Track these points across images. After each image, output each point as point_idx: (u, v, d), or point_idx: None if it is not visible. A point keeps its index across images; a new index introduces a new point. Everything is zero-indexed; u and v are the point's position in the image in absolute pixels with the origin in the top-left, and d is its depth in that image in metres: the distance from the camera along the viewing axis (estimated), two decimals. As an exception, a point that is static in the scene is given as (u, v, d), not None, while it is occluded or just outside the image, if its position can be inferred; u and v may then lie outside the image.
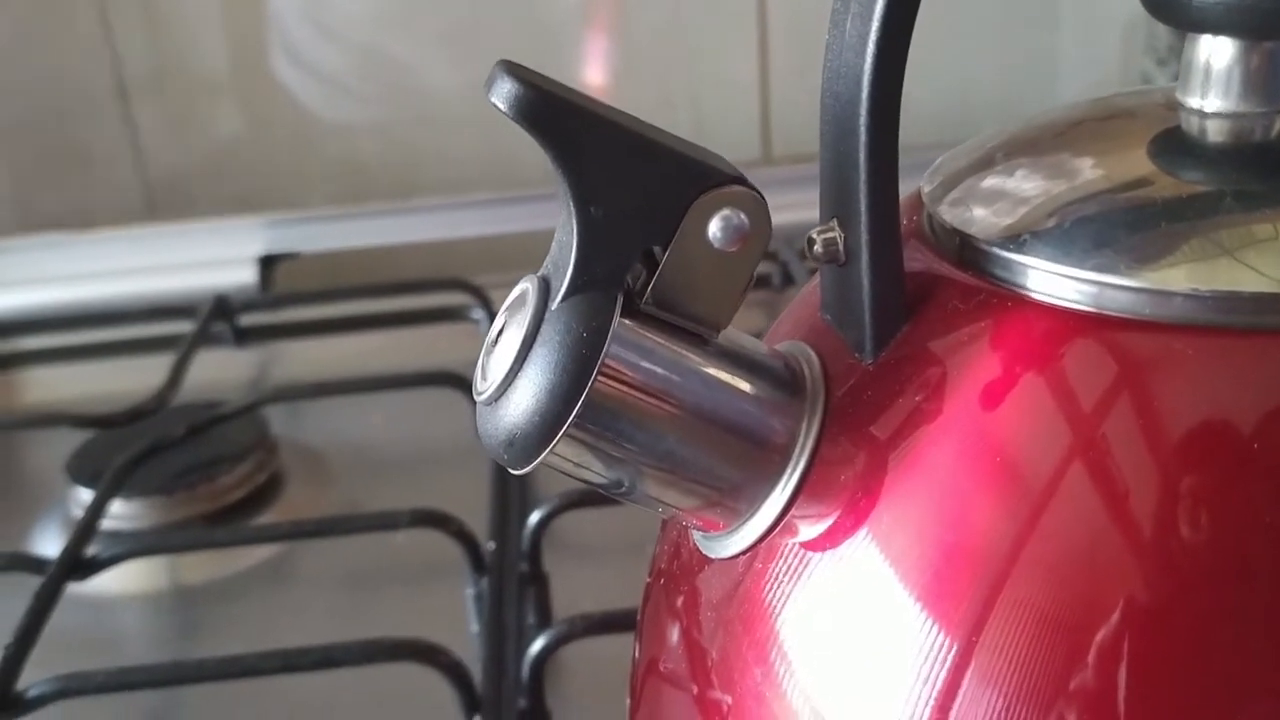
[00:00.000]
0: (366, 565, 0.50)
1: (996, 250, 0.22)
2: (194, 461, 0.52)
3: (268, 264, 0.66)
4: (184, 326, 0.62)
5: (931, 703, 0.21)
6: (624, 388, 0.21)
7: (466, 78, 0.73)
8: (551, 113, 0.20)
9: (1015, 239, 0.22)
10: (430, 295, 0.64)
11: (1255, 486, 0.19)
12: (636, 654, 0.29)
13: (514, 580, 0.44)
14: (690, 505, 0.23)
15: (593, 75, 0.76)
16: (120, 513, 0.49)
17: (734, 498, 0.23)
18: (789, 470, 0.22)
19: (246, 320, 0.64)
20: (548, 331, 0.21)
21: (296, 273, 0.68)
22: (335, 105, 0.72)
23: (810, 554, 0.23)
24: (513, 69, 0.20)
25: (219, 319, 0.62)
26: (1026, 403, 0.21)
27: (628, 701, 0.29)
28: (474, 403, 0.22)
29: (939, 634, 0.21)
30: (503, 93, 0.20)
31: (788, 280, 0.65)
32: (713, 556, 0.24)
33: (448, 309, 0.64)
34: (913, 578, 0.21)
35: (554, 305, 0.21)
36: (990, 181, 0.24)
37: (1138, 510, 0.20)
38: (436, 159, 0.74)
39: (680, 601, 0.27)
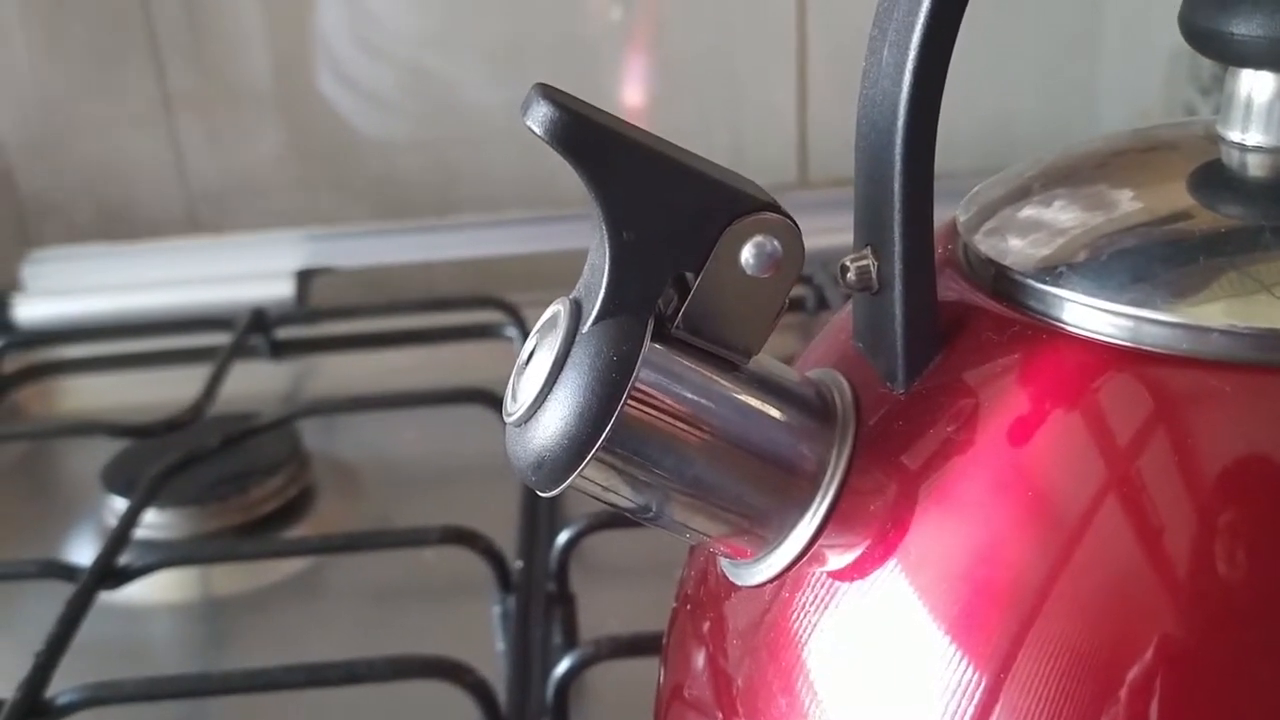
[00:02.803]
0: (395, 580, 0.50)
1: (1032, 282, 0.22)
2: (227, 473, 0.52)
3: (304, 278, 0.67)
4: (221, 338, 0.63)
5: None
6: (653, 412, 0.21)
7: (508, 96, 0.73)
8: (585, 137, 0.20)
9: (1051, 271, 0.22)
10: (465, 312, 0.64)
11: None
12: (661, 679, 0.29)
13: (541, 599, 0.44)
14: (718, 531, 0.23)
15: (632, 96, 0.76)
16: (153, 522, 0.49)
17: (762, 525, 0.23)
18: (818, 499, 0.22)
19: (282, 333, 0.64)
20: (578, 354, 0.21)
21: (333, 287, 0.69)
22: (377, 122, 0.73)
23: (838, 583, 0.23)
24: (548, 92, 0.20)
25: (255, 332, 0.62)
26: (1060, 437, 0.21)
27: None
28: (505, 421, 0.22)
29: (968, 668, 0.21)
30: (538, 116, 0.20)
31: (822, 304, 0.64)
32: (740, 584, 0.24)
33: (482, 326, 0.64)
34: (942, 610, 0.21)
35: (585, 328, 0.21)
36: (1026, 212, 0.24)
37: (1172, 548, 0.20)
38: (475, 176, 0.75)
39: (706, 628, 0.27)
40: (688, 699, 0.27)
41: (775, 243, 0.21)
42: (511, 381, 0.23)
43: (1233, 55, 0.21)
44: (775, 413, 0.22)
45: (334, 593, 0.50)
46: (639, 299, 0.21)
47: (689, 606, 0.27)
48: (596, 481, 0.22)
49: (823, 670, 0.23)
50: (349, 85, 0.72)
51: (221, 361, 0.58)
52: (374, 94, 0.72)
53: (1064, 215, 0.23)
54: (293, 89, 0.72)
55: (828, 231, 0.77)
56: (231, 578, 0.51)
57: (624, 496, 0.22)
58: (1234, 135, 0.22)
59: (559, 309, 0.22)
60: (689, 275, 0.21)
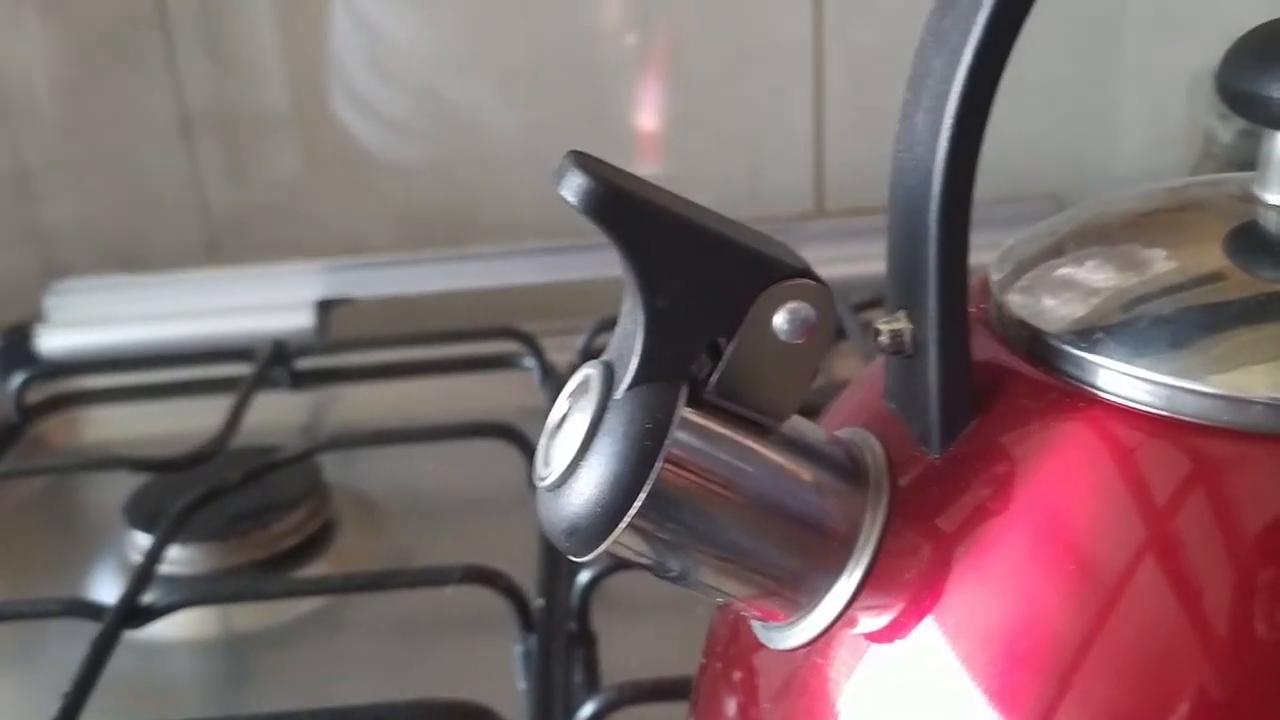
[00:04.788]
0: (416, 616, 0.50)
1: (1067, 348, 0.22)
2: (249, 507, 0.52)
3: (324, 308, 0.67)
4: (241, 369, 0.63)
5: None
6: (688, 478, 0.21)
7: (525, 121, 0.73)
8: (619, 207, 0.20)
9: (1087, 335, 0.22)
10: (483, 343, 0.64)
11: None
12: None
13: (562, 639, 0.44)
14: (751, 594, 0.23)
15: (647, 121, 0.76)
16: (175, 558, 0.49)
17: (795, 589, 0.22)
18: (854, 562, 0.22)
19: (302, 364, 0.65)
20: (612, 421, 0.21)
21: (352, 317, 0.69)
22: (394, 147, 0.73)
23: (872, 646, 0.23)
24: (581, 161, 0.20)
25: (276, 363, 0.63)
26: (1096, 505, 0.21)
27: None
28: (526, 455, 0.22)
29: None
30: (572, 186, 0.20)
31: (839, 333, 0.64)
32: (773, 647, 0.23)
33: (500, 356, 0.64)
34: (979, 676, 0.21)
35: (618, 394, 0.21)
36: (1060, 271, 0.24)
37: (1207, 618, 0.20)
38: (493, 201, 0.75)
39: (737, 687, 0.26)
40: (718, 756, 0.27)
41: (808, 309, 0.21)
42: (543, 445, 0.23)
43: (1271, 117, 0.21)
44: (810, 477, 0.22)
45: (354, 629, 0.50)
46: (673, 365, 0.21)
47: (720, 664, 0.27)
48: (630, 547, 0.21)
49: (855, 727, 0.23)
50: (366, 110, 0.72)
51: (243, 394, 0.58)
52: (391, 119, 0.73)
53: (1098, 276, 0.23)
54: (310, 114, 0.73)
55: (845, 260, 0.77)
56: (252, 614, 0.51)
57: (657, 560, 0.22)
58: (1272, 197, 0.22)
59: (591, 373, 0.22)
60: (722, 341, 0.21)
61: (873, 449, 0.23)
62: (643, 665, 0.40)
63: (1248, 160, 0.68)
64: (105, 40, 0.70)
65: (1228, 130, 0.74)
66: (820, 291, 0.21)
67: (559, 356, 0.63)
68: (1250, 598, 0.19)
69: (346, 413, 0.66)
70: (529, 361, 0.63)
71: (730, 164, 0.75)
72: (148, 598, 0.44)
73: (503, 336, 0.64)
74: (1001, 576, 0.21)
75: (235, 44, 0.71)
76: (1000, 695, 0.21)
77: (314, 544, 0.53)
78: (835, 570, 0.22)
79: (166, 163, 0.72)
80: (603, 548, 0.21)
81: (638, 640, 0.45)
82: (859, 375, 0.27)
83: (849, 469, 0.23)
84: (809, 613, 0.23)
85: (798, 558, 0.22)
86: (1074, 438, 0.21)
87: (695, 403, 0.21)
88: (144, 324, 0.66)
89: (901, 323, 0.22)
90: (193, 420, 0.60)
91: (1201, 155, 0.76)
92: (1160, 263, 0.23)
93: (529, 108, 0.73)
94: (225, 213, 0.74)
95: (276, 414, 0.63)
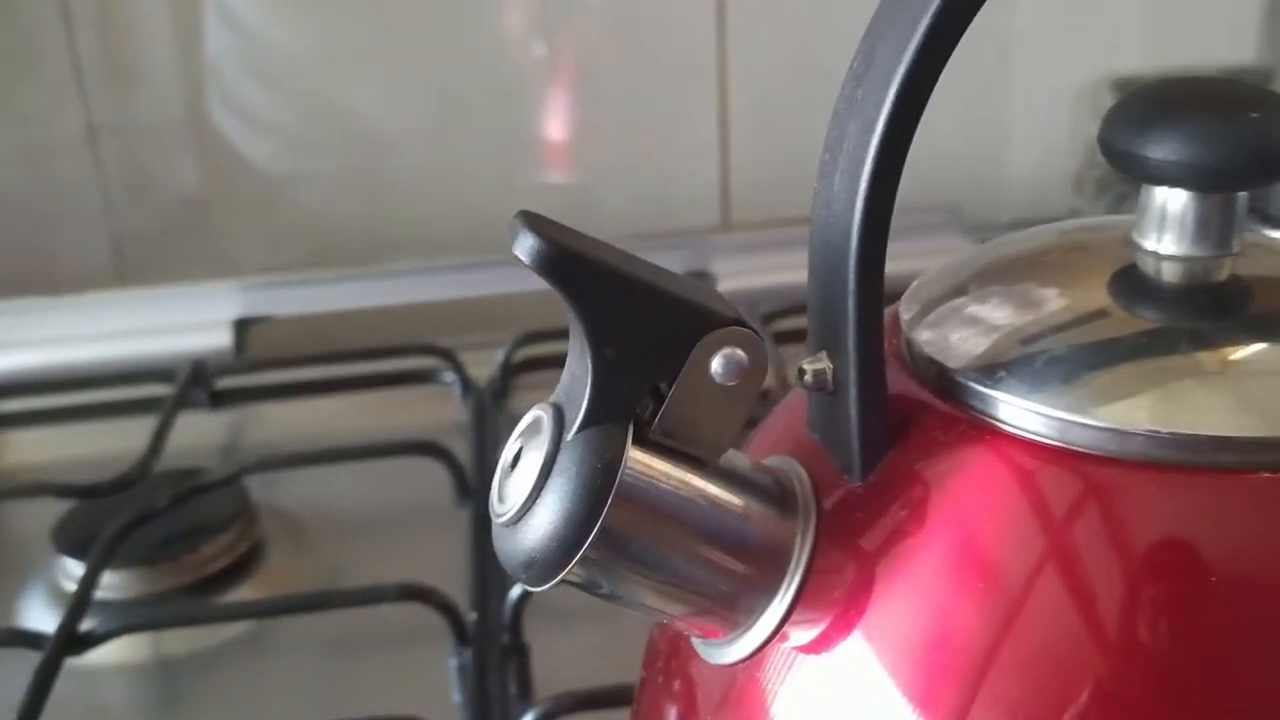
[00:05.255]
0: (347, 635, 0.50)
1: (972, 384, 0.24)
2: (177, 531, 0.52)
3: (242, 327, 0.67)
4: (157, 390, 0.63)
5: None
6: (635, 513, 0.23)
7: (430, 133, 0.74)
8: (569, 266, 0.22)
9: (989, 371, 0.24)
10: (403, 359, 0.65)
11: (1208, 612, 0.21)
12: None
13: (496, 651, 0.46)
14: (692, 615, 0.25)
15: (555, 133, 0.77)
16: (106, 583, 0.49)
17: (733, 609, 0.24)
18: (786, 583, 0.24)
19: (221, 384, 0.65)
20: (564, 461, 0.23)
21: (270, 335, 0.69)
22: (289, 161, 0.73)
23: (804, 658, 0.25)
24: (531, 221, 0.22)
25: (196, 382, 0.63)
26: (1000, 526, 0.23)
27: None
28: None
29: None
30: (524, 247, 0.22)
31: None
32: (713, 663, 0.25)
33: (420, 372, 0.65)
34: (899, 682, 0.23)
35: (570, 436, 0.23)
36: (963, 311, 0.26)
37: (1098, 625, 0.22)
38: (404, 215, 0.75)
39: (677, 701, 0.28)
40: (659, 764, 0.29)
41: (741, 353, 0.23)
42: (497, 483, 0.24)
43: (1148, 175, 0.24)
44: (745, 506, 0.24)
45: (286, 650, 0.51)
46: (620, 408, 0.23)
47: (661, 678, 0.29)
48: (582, 578, 0.23)
49: (789, 735, 0.25)
50: (255, 122, 0.72)
51: (165, 415, 0.59)
52: (278, 129, 0.72)
53: (996, 314, 0.26)
54: (207, 128, 0.72)
55: (753, 272, 0.79)
56: (183, 637, 0.51)
57: (607, 589, 0.24)
58: (1149, 244, 0.25)
59: (541, 415, 0.24)
60: (663, 385, 0.23)
61: (799, 476, 0.25)
62: (574, 675, 0.42)
63: None
64: (6, 56, 0.69)
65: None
66: (752, 338, 0.23)
67: (479, 371, 0.65)
68: (1134, 606, 0.22)
69: (266, 432, 0.66)
70: (449, 376, 0.64)
71: (638, 178, 0.77)
72: (85, 625, 0.44)
73: (422, 352, 0.65)
74: (919, 592, 0.24)
75: (134, 56, 0.70)
76: (920, 699, 0.23)
77: (243, 566, 0.54)
78: (770, 590, 0.24)
79: (73, 181, 0.72)
80: (558, 579, 0.23)
81: (568, 651, 0.47)
82: (780, 405, 0.29)
83: (779, 497, 0.25)
84: (746, 630, 0.25)
85: (735, 581, 0.24)
86: (980, 466, 0.23)
87: (640, 442, 0.23)
88: (58, 346, 0.66)
89: (823, 363, 0.24)
90: (112, 442, 0.60)
91: (1085, 164, 0.80)
92: (1052, 302, 0.25)
93: (433, 120, 0.74)
94: (133, 231, 0.73)
95: (195, 434, 0.63)
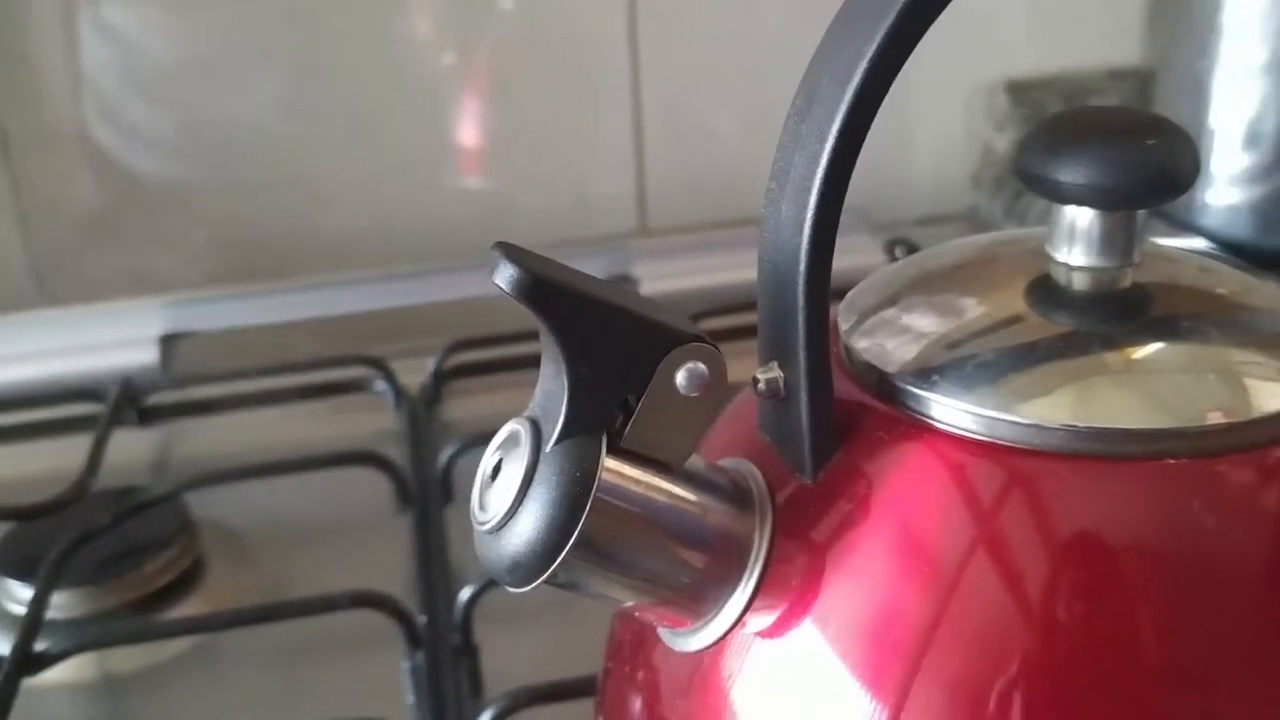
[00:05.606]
0: (295, 645, 0.51)
1: (908, 386, 0.26)
2: (119, 549, 0.53)
3: (168, 343, 0.68)
4: (87, 408, 0.63)
5: None
6: (610, 516, 0.25)
7: (339, 138, 0.74)
8: (546, 292, 0.24)
9: (924, 375, 0.26)
10: (334, 370, 0.66)
11: (1119, 590, 0.24)
12: (601, 729, 0.33)
13: (448, 652, 0.47)
14: (660, 607, 0.27)
15: (470, 139, 0.79)
16: (53, 603, 0.50)
17: (699, 600, 0.27)
18: (747, 574, 0.26)
19: (150, 401, 0.65)
20: (544, 471, 0.25)
21: (195, 350, 0.69)
22: (192, 173, 0.73)
23: (763, 642, 0.27)
24: (510, 253, 0.24)
25: (125, 399, 0.63)
26: (937, 516, 0.26)
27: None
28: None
29: (874, 703, 0.25)
30: (504, 277, 0.23)
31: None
32: (680, 650, 0.28)
33: (351, 382, 0.66)
34: (850, 660, 0.26)
35: (548, 448, 0.25)
36: (897, 320, 0.28)
37: (1025, 602, 0.25)
38: (318, 219, 0.76)
39: (641, 683, 0.30)
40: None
41: (703, 367, 0.25)
42: (478, 493, 0.26)
43: (1059, 196, 0.27)
44: (708, 506, 0.26)
45: (234, 663, 0.51)
46: (594, 421, 0.25)
47: (627, 667, 0.31)
48: (563, 578, 0.25)
49: (749, 714, 0.27)
50: (147, 136, 0.72)
51: (100, 433, 0.59)
52: (176, 142, 0.72)
53: (927, 322, 0.28)
54: (107, 143, 0.72)
55: (672, 276, 0.82)
56: (129, 655, 0.51)
57: (585, 587, 0.26)
58: (1060, 256, 0.28)
59: (518, 428, 0.26)
60: (631, 398, 0.25)
61: (754, 476, 0.27)
62: (524, 674, 0.43)
63: None
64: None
65: (1003, 140, 0.83)
66: (712, 353, 0.25)
67: (410, 379, 0.66)
68: (1056, 585, 0.25)
69: (196, 447, 0.66)
70: (381, 385, 0.65)
71: (557, 186, 0.78)
72: (39, 645, 0.45)
73: (353, 363, 0.66)
74: (866, 578, 0.26)
75: (36, 72, 0.70)
76: (869, 674, 0.25)
77: (186, 581, 0.54)
78: (732, 582, 0.26)
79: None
80: (541, 580, 0.25)
81: (517, 651, 0.48)
82: (730, 409, 0.32)
83: (736, 496, 0.27)
84: (711, 619, 0.27)
85: (701, 574, 0.26)
86: (918, 462, 0.26)
87: (612, 451, 0.25)
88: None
89: (775, 372, 0.26)
90: (43, 463, 0.60)
91: (981, 164, 0.84)
92: (976, 310, 0.28)
93: (346, 130, 0.75)
94: (50, 250, 0.73)
95: (125, 452, 0.63)
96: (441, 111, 0.76)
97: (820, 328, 0.25)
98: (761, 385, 0.27)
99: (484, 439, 0.57)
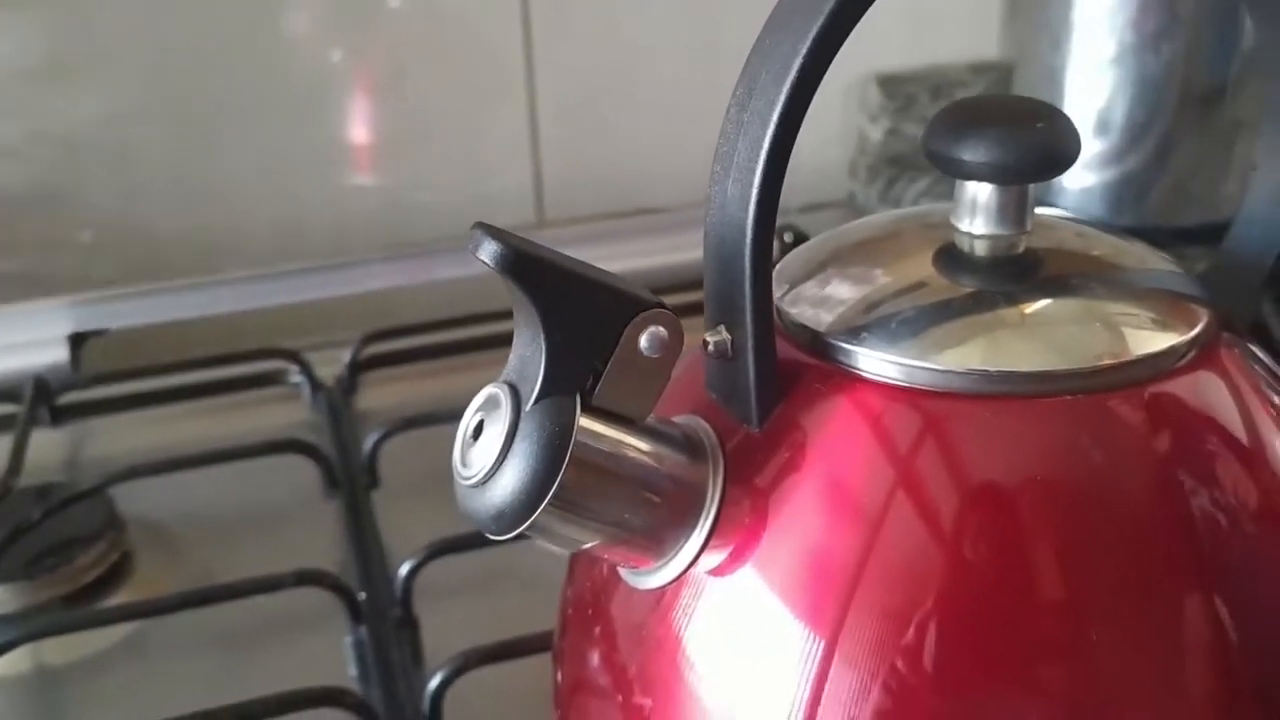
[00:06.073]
0: (229, 630, 0.52)
1: (838, 342, 0.30)
2: (49, 544, 0.53)
3: (77, 341, 0.68)
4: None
5: (810, 681, 0.28)
6: (585, 468, 0.28)
7: (232, 137, 0.75)
8: (526, 266, 0.26)
9: (852, 333, 0.30)
10: (248, 364, 0.67)
11: (1030, 515, 0.28)
12: (559, 677, 0.36)
13: (390, 625, 0.49)
14: (625, 550, 0.30)
15: (367, 135, 0.80)
16: (-15, 599, 0.50)
17: (660, 542, 0.30)
18: (703, 517, 0.29)
19: (63, 399, 0.65)
20: (525, 428, 0.27)
21: (105, 348, 0.70)
22: (88, 172, 0.72)
23: (714, 578, 0.30)
24: (491, 231, 0.26)
25: (40, 399, 0.63)
26: (866, 455, 0.29)
27: (554, 710, 0.36)
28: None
29: (812, 631, 0.28)
30: (488, 252, 0.26)
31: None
32: (642, 588, 0.31)
33: (266, 375, 0.67)
34: (792, 593, 0.29)
35: (527, 407, 0.27)
36: (824, 287, 0.32)
37: (943, 534, 0.28)
38: (217, 216, 0.76)
39: (600, 627, 0.33)
40: (589, 688, 0.34)
41: (664, 331, 0.28)
42: (459, 451, 0.29)
43: (961, 173, 0.30)
44: (667, 455, 0.29)
45: (168, 651, 0.52)
46: (569, 382, 0.28)
47: (590, 611, 0.33)
48: (541, 526, 0.28)
49: (703, 645, 0.30)
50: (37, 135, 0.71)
51: (20, 432, 0.59)
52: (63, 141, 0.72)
53: (851, 287, 0.32)
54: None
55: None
56: (62, 647, 0.52)
57: (561, 534, 0.28)
58: (963, 226, 0.31)
59: (496, 392, 0.28)
60: (599, 361, 0.28)
61: (705, 430, 0.31)
62: (462, 643, 0.46)
63: (893, 155, 0.83)
64: None
65: (877, 130, 0.87)
66: (672, 318, 0.28)
67: (325, 370, 0.67)
68: (972, 517, 0.28)
69: (110, 445, 0.66)
70: (296, 377, 0.67)
71: (454, 180, 0.80)
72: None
73: (268, 356, 0.67)
74: (806, 517, 0.29)
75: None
76: (808, 606, 0.29)
77: (116, 575, 0.55)
78: (689, 525, 0.29)
79: None
80: (524, 527, 0.28)
81: (453, 623, 0.51)
82: (676, 373, 0.35)
83: (691, 447, 0.30)
84: (670, 559, 0.30)
85: (663, 519, 0.29)
86: (850, 408, 0.29)
87: (584, 409, 0.28)
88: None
89: (723, 335, 0.29)
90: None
91: (857, 152, 0.89)
92: (893, 275, 0.32)
93: (240, 128, 0.76)
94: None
95: (40, 451, 0.63)
96: (336, 108, 0.78)
97: (765, 294, 0.28)
98: (711, 347, 0.30)
99: (409, 424, 0.60)
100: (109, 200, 0.74)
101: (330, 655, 0.50)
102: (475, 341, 0.68)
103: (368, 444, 0.58)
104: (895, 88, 0.86)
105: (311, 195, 0.78)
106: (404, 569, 0.49)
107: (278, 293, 0.71)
